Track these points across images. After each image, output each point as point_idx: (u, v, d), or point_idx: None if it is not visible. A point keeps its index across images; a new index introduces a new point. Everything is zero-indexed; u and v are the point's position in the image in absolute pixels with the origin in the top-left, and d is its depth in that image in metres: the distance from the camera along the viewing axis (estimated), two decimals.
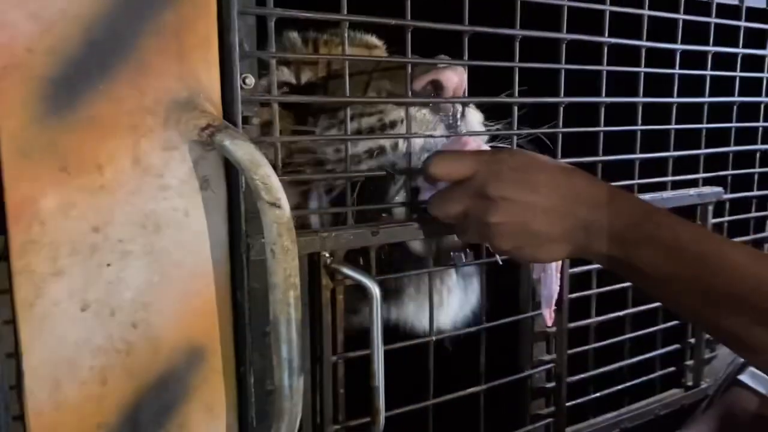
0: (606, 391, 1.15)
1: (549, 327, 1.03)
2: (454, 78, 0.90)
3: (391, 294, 0.93)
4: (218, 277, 0.73)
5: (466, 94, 0.94)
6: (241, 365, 0.75)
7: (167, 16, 0.66)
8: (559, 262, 0.92)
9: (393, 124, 0.91)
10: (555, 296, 0.93)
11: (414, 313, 0.95)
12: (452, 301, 0.97)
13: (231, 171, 0.72)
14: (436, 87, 0.90)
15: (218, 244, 0.72)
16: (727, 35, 1.22)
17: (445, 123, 0.93)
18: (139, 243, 0.68)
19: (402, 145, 0.89)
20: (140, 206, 0.67)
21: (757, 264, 0.70)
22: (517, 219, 0.75)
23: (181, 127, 0.67)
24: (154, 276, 0.69)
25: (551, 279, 0.91)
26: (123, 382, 0.69)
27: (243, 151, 0.66)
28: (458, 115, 0.94)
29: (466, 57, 0.89)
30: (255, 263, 0.73)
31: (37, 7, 0.61)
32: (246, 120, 0.73)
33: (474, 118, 0.99)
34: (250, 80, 0.72)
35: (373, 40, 1.05)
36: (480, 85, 0.98)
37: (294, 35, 1.00)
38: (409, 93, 0.86)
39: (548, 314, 0.95)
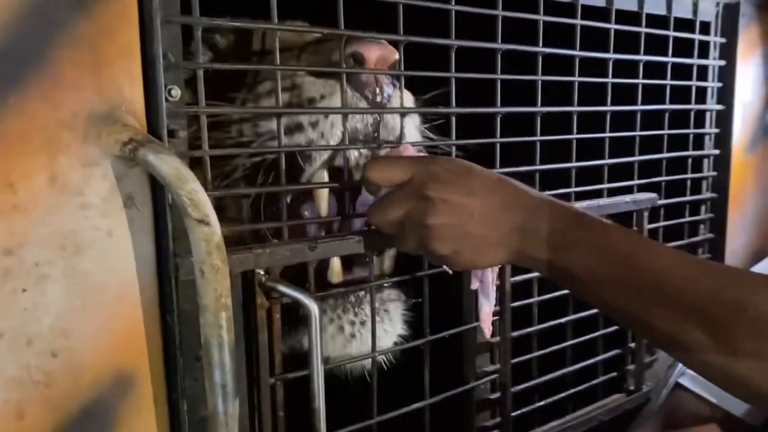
0: (550, 400, 1.15)
1: (495, 336, 1.02)
2: (375, 50, 0.85)
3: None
4: (146, 299, 0.69)
5: (397, 68, 0.89)
6: (172, 392, 0.71)
7: (82, 25, 0.63)
8: (495, 274, 0.92)
9: (311, 101, 0.87)
10: (492, 308, 0.93)
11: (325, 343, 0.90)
12: (366, 335, 0.91)
13: (157, 187, 0.68)
14: (357, 60, 0.85)
15: (145, 264, 0.69)
16: (656, 45, 1.25)
17: (368, 101, 0.88)
18: (57, 266, 0.63)
19: (323, 123, 0.85)
20: (58, 226, 0.63)
21: (684, 263, 0.71)
22: (455, 221, 0.74)
23: (101, 142, 0.64)
24: (75, 300, 0.65)
25: (488, 290, 0.90)
26: (42, 416, 0.64)
27: (168, 166, 0.62)
28: (384, 94, 0.89)
29: (401, 32, 0.86)
30: (184, 284, 0.69)
31: None
32: (172, 133, 0.69)
33: (411, 122, 0.97)
34: (176, 92, 0.69)
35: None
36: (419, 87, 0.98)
37: None
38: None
39: (487, 327, 0.94)
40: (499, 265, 0.91)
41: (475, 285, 0.91)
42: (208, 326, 0.65)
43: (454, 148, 0.96)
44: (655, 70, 1.26)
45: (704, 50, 1.35)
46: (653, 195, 1.24)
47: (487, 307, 0.92)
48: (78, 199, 0.64)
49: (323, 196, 0.91)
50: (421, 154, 0.92)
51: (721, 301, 0.67)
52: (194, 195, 0.63)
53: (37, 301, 0.63)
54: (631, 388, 1.27)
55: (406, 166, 0.79)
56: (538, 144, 1.07)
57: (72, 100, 0.63)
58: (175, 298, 0.70)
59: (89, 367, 0.66)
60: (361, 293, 0.92)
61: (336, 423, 0.82)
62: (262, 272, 0.76)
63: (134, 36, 0.66)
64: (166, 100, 0.68)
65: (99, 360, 0.67)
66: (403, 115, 0.91)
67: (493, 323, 1.02)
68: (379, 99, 0.88)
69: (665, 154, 1.30)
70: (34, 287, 0.63)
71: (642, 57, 1.21)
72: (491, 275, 0.90)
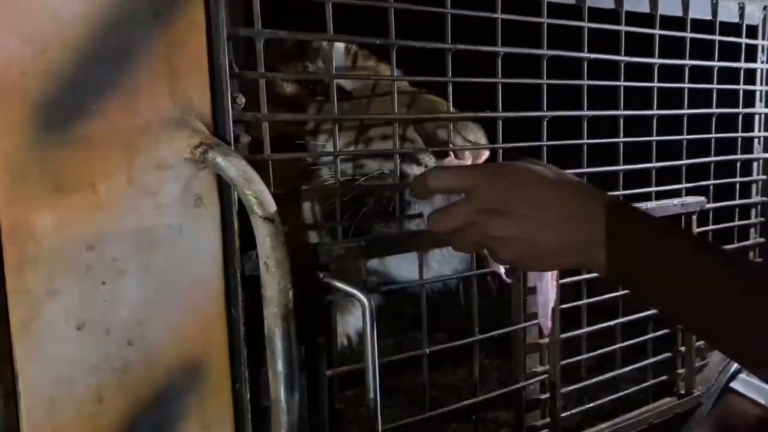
0: (600, 401, 1.15)
1: (544, 337, 1.04)
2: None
3: None
4: (213, 293, 0.73)
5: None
6: (236, 381, 0.76)
7: (157, 39, 0.68)
8: (554, 276, 0.93)
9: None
10: (552, 304, 0.94)
11: (397, 267, 0.99)
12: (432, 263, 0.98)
13: (223, 188, 0.73)
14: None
15: (212, 260, 0.73)
16: (702, 49, 1.26)
17: None
18: (133, 261, 0.68)
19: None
20: (135, 224, 0.68)
21: (741, 276, 0.70)
22: (522, 234, 0.74)
23: (174, 146, 0.69)
24: (149, 293, 0.70)
25: (547, 287, 0.92)
26: (119, 401, 0.69)
27: (235, 167, 0.67)
28: None
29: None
30: (249, 279, 0.73)
31: (31, 31, 0.62)
32: (237, 138, 0.74)
33: None
34: (241, 99, 0.74)
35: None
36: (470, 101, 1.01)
37: (339, 45, 1.02)
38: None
39: (546, 322, 0.96)
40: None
41: (533, 282, 0.93)
42: (272, 317, 0.69)
43: (500, 152, 0.99)
44: (702, 74, 1.27)
45: (752, 54, 1.35)
46: (702, 198, 1.24)
47: (544, 303, 0.93)
48: (152, 199, 0.69)
49: None
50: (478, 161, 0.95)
51: None
52: (260, 194, 0.67)
53: (115, 293, 0.68)
54: (682, 391, 1.27)
55: (468, 175, 0.79)
56: (585, 147, 1.09)
57: (148, 107, 0.68)
58: (240, 292, 0.74)
59: (161, 355, 0.71)
60: None
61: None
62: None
63: (202, 48, 0.71)
64: (232, 107, 0.73)
65: (170, 349, 0.71)
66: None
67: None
68: None
69: (713, 158, 1.30)
70: (113, 280, 0.68)
71: (687, 62, 1.22)
72: (550, 273, 0.92)
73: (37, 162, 0.63)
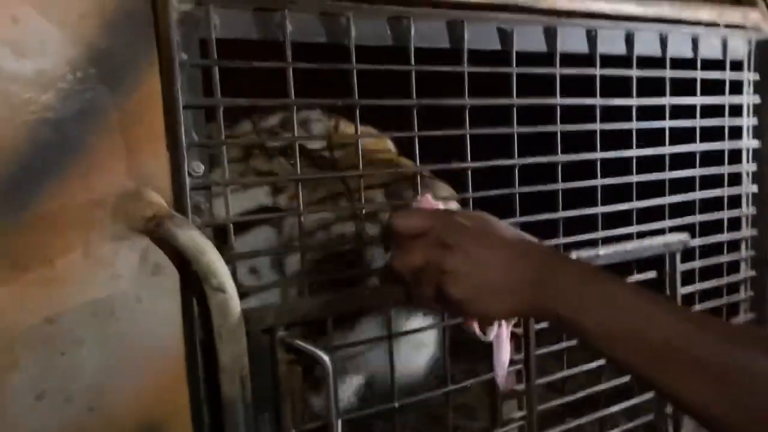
0: None
1: (511, 389, 1.04)
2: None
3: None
4: (173, 358, 0.75)
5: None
6: None
7: (113, 113, 0.70)
8: (509, 330, 0.94)
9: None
10: (507, 362, 0.94)
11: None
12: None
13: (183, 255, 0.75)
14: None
15: (171, 325, 0.75)
16: (684, 83, 1.25)
17: None
18: (92, 330, 0.70)
19: None
20: (92, 295, 0.70)
21: (689, 324, 0.71)
22: (472, 268, 0.78)
23: (128, 219, 0.70)
24: (109, 360, 0.72)
25: (503, 344, 0.92)
26: None
27: (187, 238, 0.69)
28: None
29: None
30: (208, 343, 0.75)
31: None
32: (196, 206, 0.76)
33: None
34: (199, 167, 0.76)
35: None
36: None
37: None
38: None
39: (501, 379, 0.96)
40: (514, 317, 0.94)
41: (490, 337, 0.93)
42: (227, 384, 0.71)
43: (471, 201, 0.99)
44: (685, 108, 1.26)
45: (738, 88, 1.34)
46: (685, 236, 1.23)
47: (500, 360, 0.94)
48: (109, 270, 0.71)
49: None
50: (440, 205, 0.96)
51: (727, 365, 0.68)
52: (212, 265, 0.69)
53: (74, 362, 0.70)
54: (670, 431, 1.25)
55: (428, 216, 0.84)
56: (560, 192, 1.09)
57: (104, 181, 0.70)
58: (199, 357, 0.75)
59: (123, 422, 0.73)
60: None
61: None
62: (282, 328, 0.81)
63: (159, 120, 0.73)
64: (190, 175, 0.75)
65: (132, 415, 0.73)
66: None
67: (518, 371, 1.04)
68: None
69: (698, 194, 1.29)
70: (72, 350, 0.70)
71: (668, 99, 1.21)
72: (506, 329, 0.92)
73: None
